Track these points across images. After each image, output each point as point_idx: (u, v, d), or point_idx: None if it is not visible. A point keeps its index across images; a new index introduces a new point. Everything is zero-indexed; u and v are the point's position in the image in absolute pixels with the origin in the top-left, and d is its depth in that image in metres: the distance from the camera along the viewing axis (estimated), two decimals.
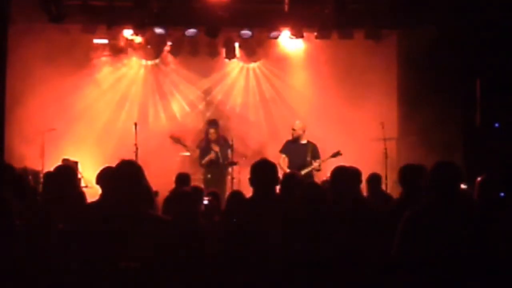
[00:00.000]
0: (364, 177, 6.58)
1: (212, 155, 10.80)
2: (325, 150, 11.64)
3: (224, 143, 11.04)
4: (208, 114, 12.63)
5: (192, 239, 4.79)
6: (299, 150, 10.33)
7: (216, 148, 10.86)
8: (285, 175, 6.27)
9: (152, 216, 4.19)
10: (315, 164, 10.20)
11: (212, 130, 10.95)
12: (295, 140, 10.45)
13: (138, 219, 4.03)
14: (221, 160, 10.85)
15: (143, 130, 11.29)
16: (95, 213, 4.40)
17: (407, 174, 5.50)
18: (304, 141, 10.44)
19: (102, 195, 5.22)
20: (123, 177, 4.06)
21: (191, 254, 4.68)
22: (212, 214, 6.24)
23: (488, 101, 10.23)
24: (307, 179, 9.56)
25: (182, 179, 7.82)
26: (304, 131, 10.48)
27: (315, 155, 10.33)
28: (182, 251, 4.54)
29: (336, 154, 10.24)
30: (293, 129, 10.48)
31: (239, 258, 4.31)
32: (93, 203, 5.22)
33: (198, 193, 6.23)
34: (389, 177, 10.40)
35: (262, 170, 4.55)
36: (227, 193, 10.15)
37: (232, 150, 11.05)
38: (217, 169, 10.85)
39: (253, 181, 4.53)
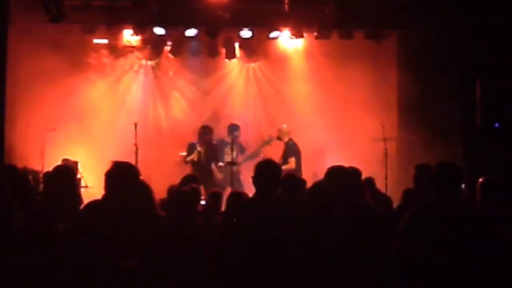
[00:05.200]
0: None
1: (194, 156, 11.05)
2: (324, 150, 11.69)
3: (209, 146, 11.24)
4: (208, 114, 12.61)
5: (191, 238, 4.80)
6: None
7: (201, 148, 11.11)
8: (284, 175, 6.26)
9: (153, 214, 4.20)
10: None
11: (202, 132, 11.24)
12: None
13: (138, 218, 4.04)
14: (203, 161, 11.07)
15: (143, 130, 11.29)
16: (95, 212, 4.39)
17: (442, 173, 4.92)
18: None
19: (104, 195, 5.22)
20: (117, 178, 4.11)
21: (191, 253, 4.69)
22: (210, 214, 6.23)
23: (488, 101, 10.24)
24: None
25: (189, 181, 7.68)
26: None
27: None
28: (181, 250, 4.55)
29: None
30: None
31: (240, 258, 4.31)
32: (93, 202, 5.22)
33: (195, 193, 6.21)
34: (389, 177, 10.41)
35: (266, 170, 4.55)
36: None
37: (232, 150, 11.10)
38: (200, 169, 10.91)
39: (256, 180, 4.53)
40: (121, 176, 4.25)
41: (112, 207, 4.21)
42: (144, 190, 5.44)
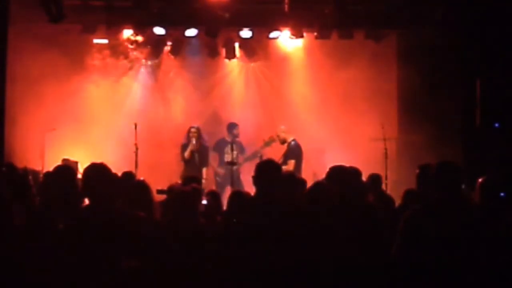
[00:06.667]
0: (364, 177, 6.56)
1: (192, 146, 11.05)
2: (324, 150, 11.67)
3: (203, 147, 11.28)
4: (208, 114, 12.61)
5: (192, 238, 4.79)
6: None
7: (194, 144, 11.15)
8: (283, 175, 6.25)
9: (131, 215, 4.21)
10: None
11: (193, 130, 11.25)
12: None
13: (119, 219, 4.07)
14: (197, 159, 11.11)
15: (143, 130, 11.29)
16: (92, 213, 4.39)
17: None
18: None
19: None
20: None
21: (191, 253, 4.69)
22: (212, 214, 6.22)
23: (488, 101, 10.24)
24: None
25: (191, 181, 7.66)
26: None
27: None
28: (182, 250, 4.55)
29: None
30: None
31: (239, 258, 4.31)
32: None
33: (197, 193, 6.21)
34: (389, 177, 10.40)
35: (267, 170, 4.56)
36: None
37: (232, 150, 11.10)
38: (194, 168, 10.89)
39: (256, 180, 4.54)
40: (95, 177, 4.30)
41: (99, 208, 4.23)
42: (142, 190, 5.46)
